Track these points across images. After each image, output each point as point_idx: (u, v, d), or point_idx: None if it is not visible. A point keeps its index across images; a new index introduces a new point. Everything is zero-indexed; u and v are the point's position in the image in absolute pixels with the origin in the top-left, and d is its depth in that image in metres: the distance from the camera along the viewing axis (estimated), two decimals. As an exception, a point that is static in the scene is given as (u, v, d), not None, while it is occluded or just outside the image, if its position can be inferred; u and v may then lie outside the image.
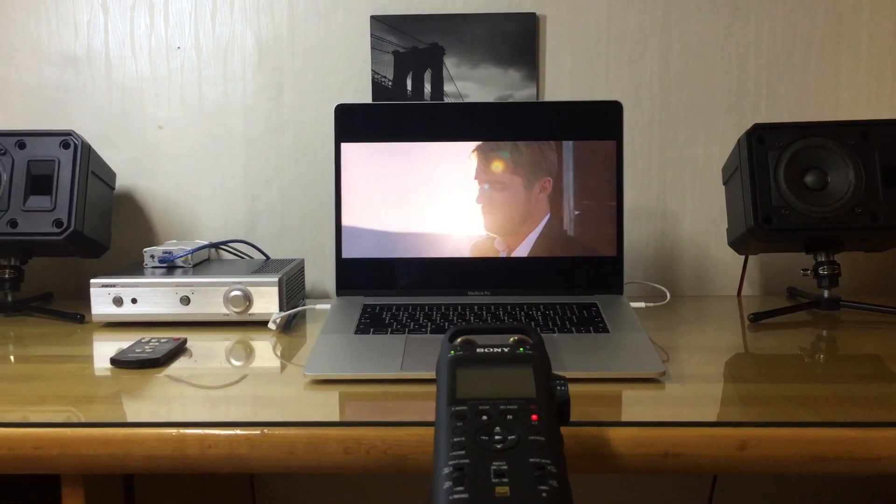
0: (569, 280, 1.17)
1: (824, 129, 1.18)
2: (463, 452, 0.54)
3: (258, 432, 0.76)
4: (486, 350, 0.65)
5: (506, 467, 0.52)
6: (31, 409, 0.81)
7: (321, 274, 1.47)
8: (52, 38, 1.44)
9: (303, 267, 1.36)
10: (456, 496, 0.50)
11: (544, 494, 0.50)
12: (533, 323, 1.05)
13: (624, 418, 0.77)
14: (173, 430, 0.76)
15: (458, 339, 0.68)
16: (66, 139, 1.22)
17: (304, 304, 1.29)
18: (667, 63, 1.41)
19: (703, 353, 1.02)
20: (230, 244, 1.43)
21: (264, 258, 1.41)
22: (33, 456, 0.76)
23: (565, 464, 0.54)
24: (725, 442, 0.74)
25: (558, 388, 0.62)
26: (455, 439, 0.55)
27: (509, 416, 0.57)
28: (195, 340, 1.09)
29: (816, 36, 1.40)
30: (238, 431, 0.76)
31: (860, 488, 1.48)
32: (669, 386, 0.88)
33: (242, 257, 1.43)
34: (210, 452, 0.76)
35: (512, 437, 0.55)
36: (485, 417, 0.57)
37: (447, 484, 0.51)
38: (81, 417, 0.79)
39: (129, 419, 0.78)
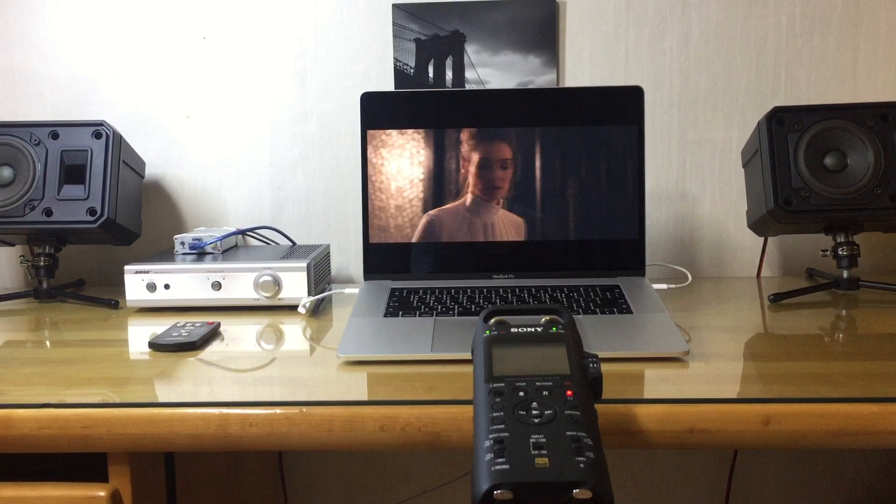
0: (592, 262, 1.19)
1: (843, 112, 1.19)
2: (502, 426, 0.56)
3: (297, 411, 0.79)
4: (520, 329, 0.68)
5: (544, 440, 0.55)
6: (77, 391, 0.85)
7: (346, 259, 1.50)
8: (81, 28, 1.47)
9: (329, 252, 1.39)
10: (498, 467, 0.52)
11: (582, 465, 0.52)
12: (557, 304, 1.08)
13: (650, 396, 0.80)
14: (216, 410, 0.79)
15: (493, 320, 0.71)
16: (98, 129, 1.25)
17: (330, 289, 1.32)
18: (686, 47, 1.43)
19: (725, 332, 1.04)
20: (257, 230, 1.45)
21: (291, 244, 1.44)
22: (82, 435, 0.79)
23: (600, 436, 0.57)
24: (750, 417, 0.76)
25: (591, 365, 0.65)
26: (494, 414, 0.58)
27: (545, 392, 0.60)
28: (227, 325, 1.12)
29: (835, 19, 1.41)
30: (278, 411, 0.79)
31: (880, 463, 1.50)
32: (693, 364, 0.90)
33: (269, 243, 1.46)
34: (251, 431, 0.79)
35: (549, 411, 0.58)
36: (522, 393, 0.60)
37: (489, 456, 0.54)
38: (127, 398, 0.82)
39: (172, 400, 0.81)
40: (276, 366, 0.93)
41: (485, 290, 1.13)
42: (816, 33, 1.41)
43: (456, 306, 1.07)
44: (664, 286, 1.21)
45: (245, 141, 1.49)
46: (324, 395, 0.82)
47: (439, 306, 1.07)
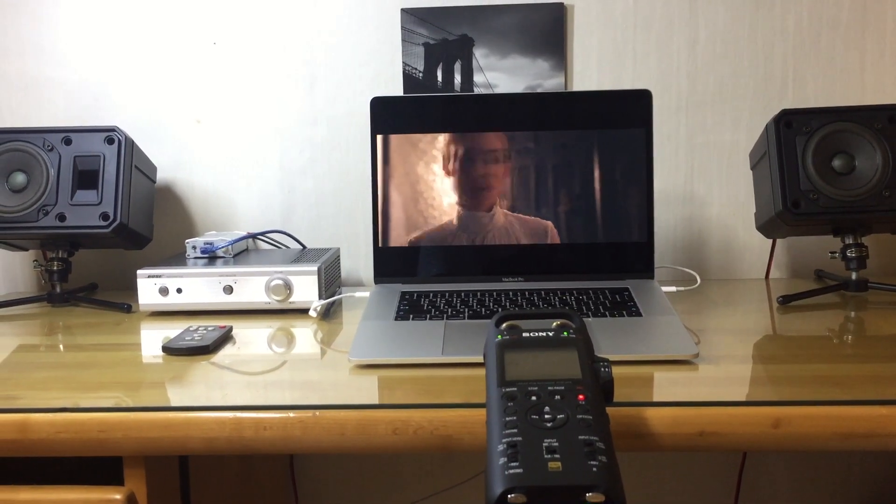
0: (601, 265, 1.20)
1: (851, 114, 1.20)
2: (515, 431, 0.57)
3: (311, 415, 0.79)
4: (531, 334, 0.68)
5: (556, 444, 0.55)
6: (92, 395, 0.86)
7: (355, 262, 1.51)
8: (92, 35, 1.48)
9: (339, 255, 1.40)
10: (511, 471, 0.53)
11: (594, 469, 0.53)
12: (567, 308, 1.08)
13: (660, 399, 0.80)
14: (230, 414, 0.80)
15: (504, 325, 0.71)
16: (111, 135, 1.26)
17: (341, 292, 1.33)
18: (693, 50, 1.43)
19: (734, 335, 1.04)
20: (268, 234, 1.46)
21: (301, 248, 1.45)
22: (98, 439, 0.80)
23: (612, 440, 0.57)
24: (759, 420, 0.76)
25: (602, 369, 0.65)
26: (507, 418, 0.58)
27: (557, 397, 0.60)
28: (238, 328, 1.13)
29: (842, 21, 1.41)
30: (291, 414, 0.80)
31: (889, 465, 1.50)
32: (702, 367, 0.90)
33: (280, 247, 1.47)
34: (265, 434, 0.80)
35: (561, 415, 0.58)
36: (534, 398, 0.60)
37: (502, 460, 0.54)
38: (141, 402, 0.83)
39: (187, 403, 0.82)
40: (287, 369, 0.94)
41: (494, 294, 1.14)
42: (824, 35, 1.42)
43: (466, 310, 1.08)
44: (673, 288, 1.21)
45: (255, 145, 1.50)
46: (336, 399, 0.83)
47: (449, 310, 1.08)
